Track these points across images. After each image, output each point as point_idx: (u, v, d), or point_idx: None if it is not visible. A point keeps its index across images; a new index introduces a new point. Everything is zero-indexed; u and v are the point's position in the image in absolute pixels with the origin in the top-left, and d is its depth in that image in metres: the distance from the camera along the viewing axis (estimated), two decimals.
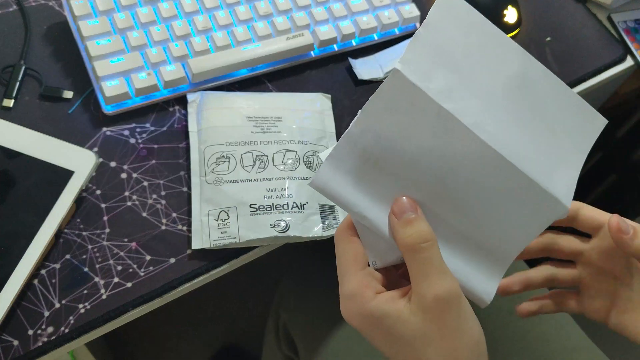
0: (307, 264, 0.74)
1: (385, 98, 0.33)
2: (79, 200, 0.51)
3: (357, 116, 0.34)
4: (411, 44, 0.33)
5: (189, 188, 0.53)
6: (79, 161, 0.49)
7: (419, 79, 0.32)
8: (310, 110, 0.58)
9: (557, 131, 0.37)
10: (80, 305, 0.47)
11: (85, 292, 0.48)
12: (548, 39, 0.70)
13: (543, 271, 0.48)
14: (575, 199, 0.41)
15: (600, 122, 0.40)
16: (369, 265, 0.37)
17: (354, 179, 0.35)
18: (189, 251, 0.51)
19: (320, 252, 0.74)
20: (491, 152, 0.33)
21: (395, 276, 0.39)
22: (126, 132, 0.55)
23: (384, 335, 0.35)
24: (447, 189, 0.35)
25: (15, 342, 0.45)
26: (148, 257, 0.50)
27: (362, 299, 0.35)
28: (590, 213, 0.44)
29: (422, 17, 0.66)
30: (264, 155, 0.54)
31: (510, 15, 0.67)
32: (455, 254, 0.36)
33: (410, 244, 0.34)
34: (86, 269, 0.49)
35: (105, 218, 0.51)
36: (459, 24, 0.35)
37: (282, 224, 0.51)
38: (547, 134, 0.37)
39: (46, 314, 0.47)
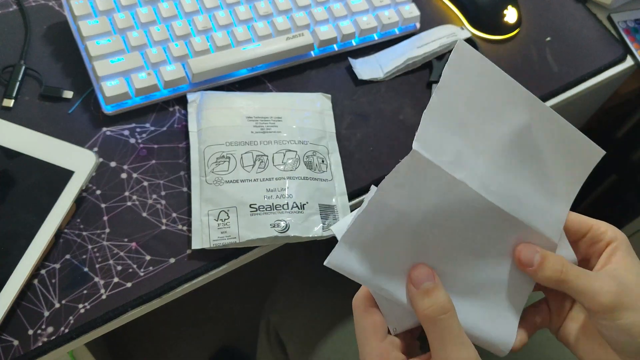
0: (299, 268, 0.74)
1: (401, 175, 0.34)
2: (79, 200, 0.51)
3: (372, 194, 0.35)
4: (425, 117, 0.34)
5: (189, 188, 0.53)
6: (79, 161, 0.49)
7: (433, 155, 0.34)
8: (310, 110, 0.58)
9: (556, 174, 0.40)
10: (80, 305, 0.47)
11: (85, 292, 0.48)
12: (548, 39, 0.70)
13: None
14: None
15: (597, 154, 0.42)
16: (388, 332, 0.38)
17: (370, 254, 0.36)
18: (188, 251, 0.51)
19: (313, 256, 0.74)
20: (497, 211, 0.36)
21: (412, 339, 0.40)
22: (126, 132, 0.55)
23: None
24: (459, 247, 0.37)
25: (15, 342, 0.45)
26: (148, 257, 0.50)
27: None
28: (575, 219, 0.42)
29: (422, 17, 0.66)
30: (264, 155, 0.54)
31: (510, 15, 0.67)
32: (471, 307, 0.38)
33: (429, 316, 0.35)
34: (86, 269, 0.49)
35: (105, 218, 0.51)
36: (471, 78, 0.36)
37: (282, 224, 0.51)
38: (546, 179, 0.39)
39: (46, 314, 0.47)
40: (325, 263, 0.36)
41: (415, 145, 0.33)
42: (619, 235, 0.40)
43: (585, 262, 0.42)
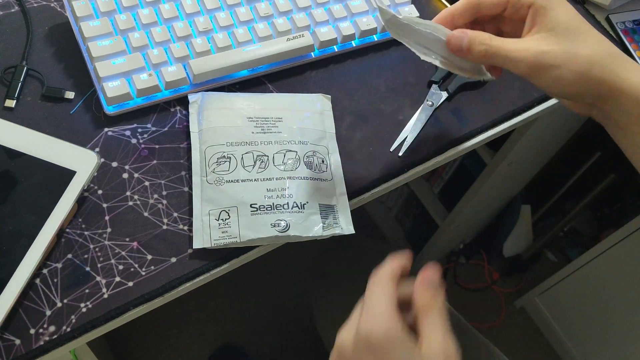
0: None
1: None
2: (80, 200, 0.51)
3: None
4: None
5: (190, 188, 0.53)
6: (80, 161, 0.49)
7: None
8: (310, 110, 0.58)
9: None
10: (82, 305, 0.48)
11: (86, 291, 0.48)
12: None
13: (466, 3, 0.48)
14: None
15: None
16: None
17: None
18: (190, 251, 0.51)
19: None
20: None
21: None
22: (127, 133, 0.56)
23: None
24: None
25: (17, 341, 0.46)
26: (149, 257, 0.50)
27: (392, 320, 0.38)
28: None
29: (421, 18, 0.67)
30: (265, 155, 0.54)
31: None
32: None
33: (426, 306, 0.39)
34: (88, 269, 0.49)
35: (106, 218, 0.51)
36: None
37: (283, 223, 0.51)
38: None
39: (48, 313, 0.47)
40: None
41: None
42: None
43: (517, 34, 0.45)
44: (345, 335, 0.40)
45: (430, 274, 0.40)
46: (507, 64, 0.43)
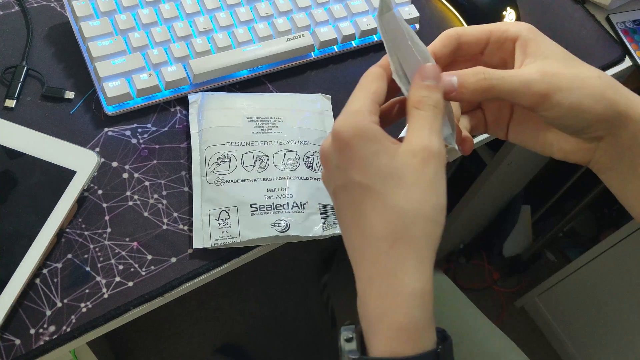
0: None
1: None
2: (80, 200, 0.51)
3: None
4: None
5: (190, 188, 0.53)
6: (80, 161, 0.49)
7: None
8: (310, 110, 0.58)
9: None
10: (82, 305, 0.48)
11: (87, 291, 0.48)
12: None
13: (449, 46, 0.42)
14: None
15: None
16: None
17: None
18: (190, 250, 0.51)
19: None
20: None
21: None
22: (128, 133, 0.56)
23: (364, 159, 0.35)
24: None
25: (17, 341, 0.46)
26: (149, 257, 0.50)
27: (364, 116, 0.35)
28: (471, 32, 0.41)
29: (421, 18, 0.67)
30: (265, 155, 0.54)
31: (510, 16, 0.68)
32: None
33: (416, 102, 0.36)
34: (88, 269, 0.49)
35: (106, 218, 0.51)
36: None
37: (283, 223, 0.51)
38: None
39: (48, 313, 0.47)
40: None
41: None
42: (522, 27, 0.39)
43: (503, 68, 0.40)
44: (325, 140, 0.38)
45: (430, 67, 0.36)
46: (513, 93, 0.37)
